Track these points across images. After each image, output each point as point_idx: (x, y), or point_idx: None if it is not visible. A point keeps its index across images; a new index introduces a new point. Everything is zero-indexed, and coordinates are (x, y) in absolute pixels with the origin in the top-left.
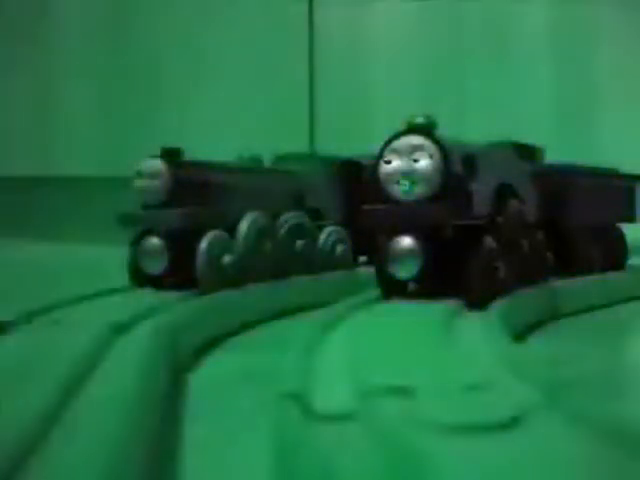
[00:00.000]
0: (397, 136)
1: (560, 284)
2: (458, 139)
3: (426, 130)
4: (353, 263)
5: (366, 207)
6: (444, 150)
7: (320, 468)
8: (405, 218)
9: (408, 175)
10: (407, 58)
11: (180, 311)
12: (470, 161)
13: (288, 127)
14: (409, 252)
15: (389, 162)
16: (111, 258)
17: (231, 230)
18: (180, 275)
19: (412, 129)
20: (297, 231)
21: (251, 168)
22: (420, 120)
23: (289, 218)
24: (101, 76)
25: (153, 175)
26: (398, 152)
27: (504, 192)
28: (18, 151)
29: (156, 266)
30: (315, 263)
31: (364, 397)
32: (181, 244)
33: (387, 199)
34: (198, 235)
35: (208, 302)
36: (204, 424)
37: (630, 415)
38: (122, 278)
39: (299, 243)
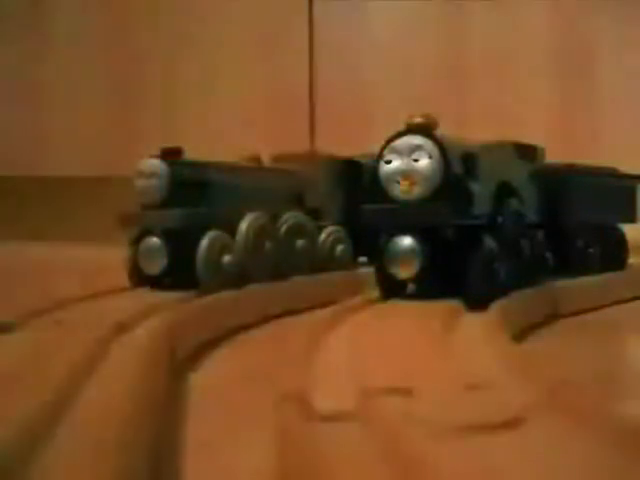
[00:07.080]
0: (397, 136)
1: (560, 284)
2: (458, 139)
3: (426, 130)
4: (353, 263)
5: (366, 207)
6: (444, 150)
7: (320, 468)
8: (405, 218)
9: (408, 175)
10: (408, 57)
11: (180, 311)
12: (470, 161)
13: (288, 126)
14: (409, 252)
15: (389, 162)
16: (110, 258)
17: (231, 230)
18: (179, 275)
19: (412, 129)
20: (297, 231)
21: (251, 168)
22: (420, 120)
23: (289, 218)
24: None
25: (152, 175)
26: (398, 152)
27: (504, 192)
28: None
29: (155, 266)
30: (315, 263)
31: (364, 397)
32: (180, 244)
33: (387, 199)
34: (198, 235)
35: (208, 302)
36: (205, 424)
37: (630, 415)
38: (121, 278)
39: (299, 243)
